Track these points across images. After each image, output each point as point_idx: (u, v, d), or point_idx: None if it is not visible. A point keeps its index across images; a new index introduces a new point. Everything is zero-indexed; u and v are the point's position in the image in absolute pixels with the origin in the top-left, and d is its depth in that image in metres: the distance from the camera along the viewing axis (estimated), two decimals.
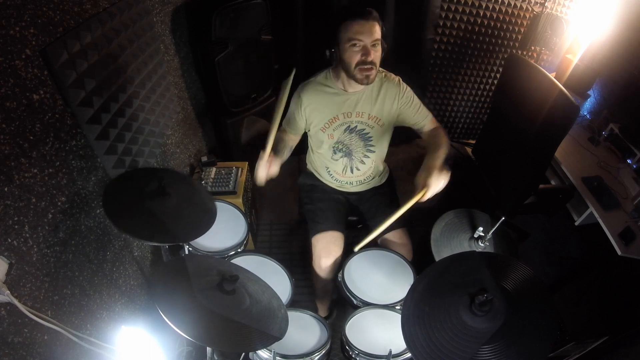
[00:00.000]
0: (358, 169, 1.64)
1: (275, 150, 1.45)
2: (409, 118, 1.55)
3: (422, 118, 1.55)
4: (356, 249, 1.39)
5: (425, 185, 1.26)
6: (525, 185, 1.76)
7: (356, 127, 1.54)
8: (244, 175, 2.09)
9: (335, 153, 1.60)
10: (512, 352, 0.84)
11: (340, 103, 1.49)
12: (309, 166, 1.80)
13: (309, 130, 1.59)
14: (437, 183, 1.26)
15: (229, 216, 1.56)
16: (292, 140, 1.60)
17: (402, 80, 1.53)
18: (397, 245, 1.62)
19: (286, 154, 1.56)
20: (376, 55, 1.35)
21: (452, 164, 3.03)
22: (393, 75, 1.52)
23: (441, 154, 1.38)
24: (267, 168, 1.35)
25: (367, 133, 1.56)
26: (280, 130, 1.60)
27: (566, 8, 2.54)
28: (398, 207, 1.68)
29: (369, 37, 1.31)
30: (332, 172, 1.67)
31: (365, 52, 1.33)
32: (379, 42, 1.34)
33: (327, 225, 1.62)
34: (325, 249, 1.60)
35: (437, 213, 1.49)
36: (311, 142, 1.67)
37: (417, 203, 1.28)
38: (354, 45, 1.32)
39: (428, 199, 1.28)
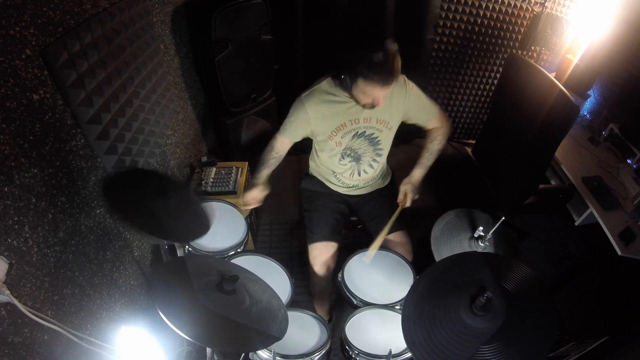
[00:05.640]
0: (366, 172, 1.63)
1: (264, 163, 1.55)
2: (416, 117, 1.54)
3: (429, 115, 1.55)
4: (367, 259, 1.49)
5: (405, 197, 1.55)
6: (525, 185, 1.76)
7: (365, 132, 1.51)
8: (244, 175, 2.09)
9: (343, 158, 1.58)
10: (512, 352, 0.84)
11: (347, 110, 1.45)
12: (312, 170, 1.77)
13: (315, 138, 1.57)
14: (415, 194, 1.57)
15: (229, 216, 1.56)
16: (286, 145, 1.55)
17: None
18: (397, 246, 1.62)
19: (274, 164, 1.57)
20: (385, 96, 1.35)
21: (451, 164, 3.04)
22: (406, 78, 1.48)
23: (429, 160, 1.61)
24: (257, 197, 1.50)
25: (377, 137, 1.54)
26: (274, 137, 1.55)
27: (566, 8, 2.54)
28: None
29: (383, 94, 1.32)
30: (338, 175, 1.66)
31: (377, 101, 1.34)
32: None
33: (321, 236, 1.63)
34: (318, 257, 1.62)
35: (437, 213, 1.49)
36: (317, 146, 1.64)
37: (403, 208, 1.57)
38: (367, 95, 1.33)
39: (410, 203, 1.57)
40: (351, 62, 1.28)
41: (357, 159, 1.59)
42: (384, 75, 1.25)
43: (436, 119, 1.57)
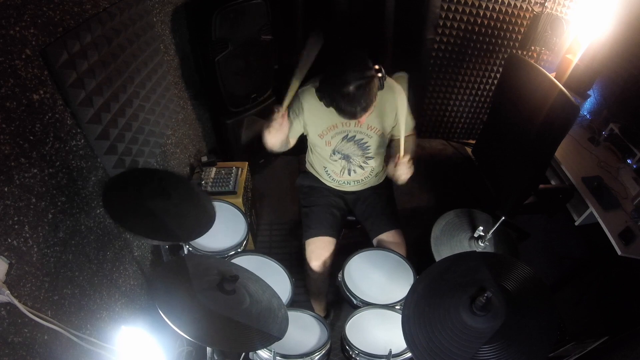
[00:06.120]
0: (355, 172, 1.65)
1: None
2: (397, 128, 1.53)
3: (407, 129, 1.52)
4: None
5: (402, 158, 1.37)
6: (525, 185, 1.77)
7: (354, 136, 1.53)
8: (244, 175, 2.09)
9: (333, 154, 1.60)
10: (512, 352, 0.84)
11: None
12: (308, 166, 1.80)
13: (307, 135, 1.58)
14: (408, 168, 1.39)
15: (229, 216, 1.56)
16: (289, 142, 1.56)
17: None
18: (391, 245, 1.61)
19: (283, 144, 1.52)
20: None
21: (451, 164, 3.04)
22: (396, 85, 1.46)
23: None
24: (280, 123, 1.35)
25: (366, 142, 1.55)
26: None
27: (566, 8, 2.54)
28: (394, 206, 1.69)
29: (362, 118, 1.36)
30: (330, 171, 1.67)
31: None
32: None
33: (318, 231, 1.63)
34: (315, 252, 1.62)
35: (437, 213, 1.49)
36: (310, 142, 1.67)
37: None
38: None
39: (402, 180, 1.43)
40: (325, 91, 1.33)
41: (346, 157, 1.60)
42: (351, 111, 1.30)
43: (410, 135, 1.54)
